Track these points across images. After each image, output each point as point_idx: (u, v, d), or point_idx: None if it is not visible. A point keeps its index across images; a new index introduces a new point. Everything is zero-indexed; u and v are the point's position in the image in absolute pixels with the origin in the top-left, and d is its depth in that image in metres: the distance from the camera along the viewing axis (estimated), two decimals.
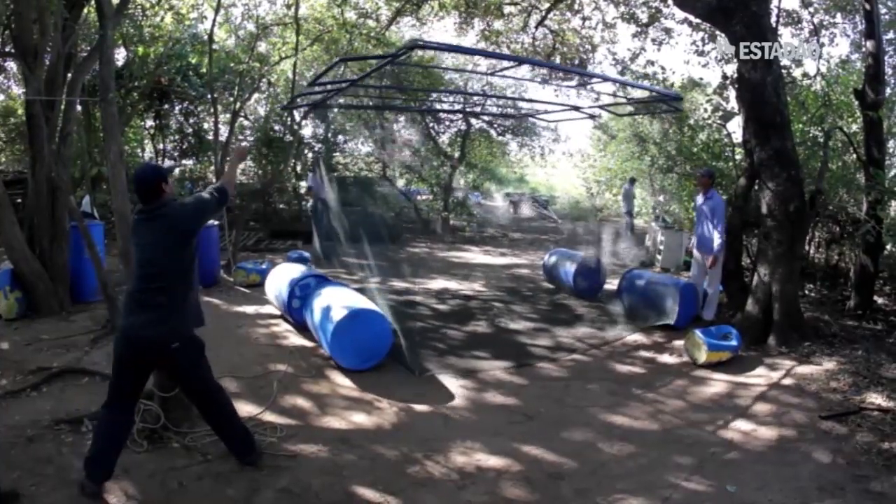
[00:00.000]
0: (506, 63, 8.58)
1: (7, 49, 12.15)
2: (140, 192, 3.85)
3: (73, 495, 3.74)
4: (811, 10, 13.22)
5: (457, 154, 20.39)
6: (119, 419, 3.84)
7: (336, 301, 6.46)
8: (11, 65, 15.16)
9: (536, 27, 14.13)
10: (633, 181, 18.93)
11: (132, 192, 4.25)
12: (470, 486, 4.09)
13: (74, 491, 3.73)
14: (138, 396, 4.09)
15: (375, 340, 6.22)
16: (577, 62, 14.52)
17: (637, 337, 7.75)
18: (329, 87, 7.81)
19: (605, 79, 9.93)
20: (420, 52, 17.15)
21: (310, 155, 18.02)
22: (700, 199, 8.34)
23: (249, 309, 8.49)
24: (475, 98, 15.68)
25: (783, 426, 5.09)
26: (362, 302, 6.57)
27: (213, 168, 9.32)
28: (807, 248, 9.98)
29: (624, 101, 9.81)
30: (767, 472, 4.31)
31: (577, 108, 9.80)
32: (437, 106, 18.17)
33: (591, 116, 9.82)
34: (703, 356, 6.50)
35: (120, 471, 3.84)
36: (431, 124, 19.98)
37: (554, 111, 10.38)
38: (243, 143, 9.92)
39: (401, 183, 21.49)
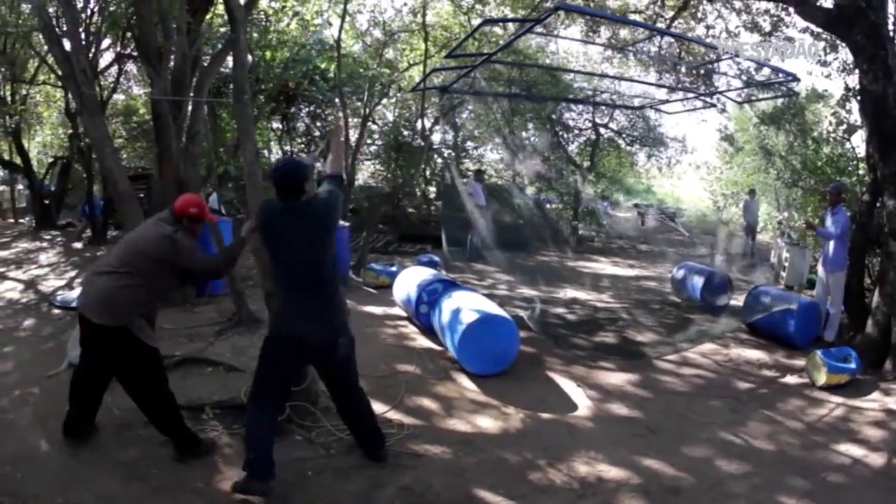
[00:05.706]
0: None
1: (129, 51, 12.81)
2: (284, 188, 3.76)
3: (184, 476, 3.90)
4: None
5: (586, 163, 19.99)
6: (270, 416, 3.85)
7: (465, 305, 6.38)
8: (131, 66, 16.02)
9: (662, 36, 13.68)
10: (753, 192, 17.86)
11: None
12: (590, 495, 4.04)
13: (185, 472, 3.93)
14: (290, 393, 4.16)
15: (503, 347, 6.14)
16: (702, 71, 13.98)
17: (760, 355, 7.40)
18: (463, 65, 7.84)
19: (730, 54, 9.86)
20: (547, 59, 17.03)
21: (439, 160, 18.11)
22: (828, 215, 7.97)
23: (377, 310, 8.54)
24: (603, 101, 15.39)
25: (894, 454, 4.89)
26: (492, 307, 6.47)
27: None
28: None
29: (741, 84, 9.81)
30: (875, 500, 4.20)
31: (698, 96, 9.94)
32: (565, 115, 17.80)
33: (711, 105, 10.14)
34: (822, 378, 6.21)
35: (237, 459, 3.92)
36: (560, 132, 19.68)
37: (675, 100, 10.60)
38: (339, 121, 9.79)
39: (530, 191, 21.28)
